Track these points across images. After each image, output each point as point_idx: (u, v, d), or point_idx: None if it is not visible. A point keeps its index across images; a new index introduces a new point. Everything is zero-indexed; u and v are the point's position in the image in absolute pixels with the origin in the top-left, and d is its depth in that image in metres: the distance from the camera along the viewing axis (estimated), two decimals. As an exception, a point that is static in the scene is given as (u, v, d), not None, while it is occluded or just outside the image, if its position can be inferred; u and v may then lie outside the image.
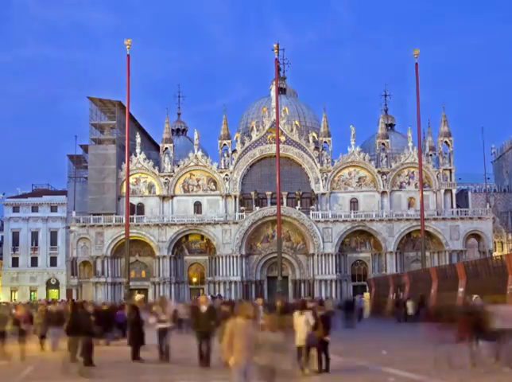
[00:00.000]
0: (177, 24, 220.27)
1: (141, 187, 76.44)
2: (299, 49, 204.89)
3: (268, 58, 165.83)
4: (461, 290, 34.01)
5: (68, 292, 75.61)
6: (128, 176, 58.38)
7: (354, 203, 74.99)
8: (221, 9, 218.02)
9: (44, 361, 19.60)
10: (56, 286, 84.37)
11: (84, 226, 73.63)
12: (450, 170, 75.02)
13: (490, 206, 75.73)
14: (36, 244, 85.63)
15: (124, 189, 67.04)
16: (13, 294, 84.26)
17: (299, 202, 73.74)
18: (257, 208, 73.43)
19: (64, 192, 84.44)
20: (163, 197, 75.79)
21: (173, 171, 75.95)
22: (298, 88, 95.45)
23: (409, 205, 74.47)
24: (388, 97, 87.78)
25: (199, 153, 76.38)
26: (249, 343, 9.44)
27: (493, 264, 32.02)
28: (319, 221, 72.16)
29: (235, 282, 72.02)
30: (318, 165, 74.90)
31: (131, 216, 67.84)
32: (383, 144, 76.24)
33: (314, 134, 76.37)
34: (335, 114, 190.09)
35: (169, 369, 16.84)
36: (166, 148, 77.07)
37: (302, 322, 14.93)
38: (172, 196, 75.82)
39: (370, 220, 72.44)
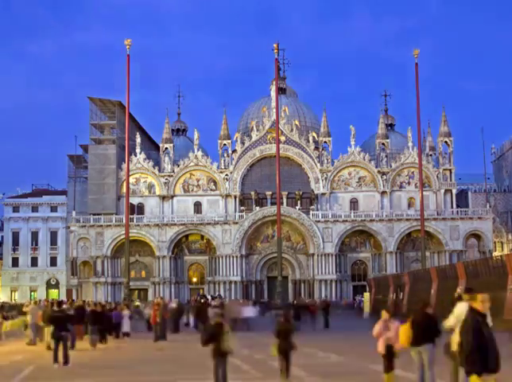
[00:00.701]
0: (178, 24, 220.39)
1: (141, 187, 76.45)
2: (299, 49, 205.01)
3: (268, 58, 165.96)
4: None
5: (68, 292, 75.60)
6: (128, 176, 58.45)
7: (354, 203, 75.01)
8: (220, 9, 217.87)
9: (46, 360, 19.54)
10: (56, 286, 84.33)
11: (84, 226, 73.65)
12: (450, 170, 75.04)
13: (490, 206, 75.74)
14: (36, 244, 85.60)
15: (124, 189, 67.05)
16: (13, 294, 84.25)
17: (299, 202, 73.76)
18: (257, 208, 73.44)
19: (64, 192, 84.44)
20: (163, 197, 75.81)
21: (173, 171, 75.96)
22: (298, 88, 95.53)
23: (409, 205, 74.49)
24: (388, 97, 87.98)
25: (199, 153, 76.40)
26: None
27: (493, 264, 32.01)
28: (319, 221, 72.17)
29: (235, 282, 72.03)
30: (318, 165, 74.90)
31: (131, 216, 67.89)
32: (383, 144, 76.25)
33: (314, 134, 76.38)
34: (335, 114, 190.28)
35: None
36: (166, 148, 77.08)
37: None
38: (172, 196, 75.84)
39: (370, 220, 72.46)
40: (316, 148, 76.04)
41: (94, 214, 74.25)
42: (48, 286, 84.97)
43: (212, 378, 12.00)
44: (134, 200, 74.22)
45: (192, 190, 76.38)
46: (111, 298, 68.51)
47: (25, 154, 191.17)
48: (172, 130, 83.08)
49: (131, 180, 71.03)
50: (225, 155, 76.28)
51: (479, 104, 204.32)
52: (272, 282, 69.01)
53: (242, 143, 76.46)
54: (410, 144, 75.51)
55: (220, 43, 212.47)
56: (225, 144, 76.56)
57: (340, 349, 21.85)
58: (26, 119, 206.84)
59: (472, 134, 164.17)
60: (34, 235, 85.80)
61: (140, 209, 75.66)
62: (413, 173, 74.62)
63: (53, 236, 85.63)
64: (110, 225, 73.30)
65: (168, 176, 75.95)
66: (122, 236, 65.14)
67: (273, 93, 74.08)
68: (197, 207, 75.71)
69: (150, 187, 76.48)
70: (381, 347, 11.79)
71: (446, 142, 75.74)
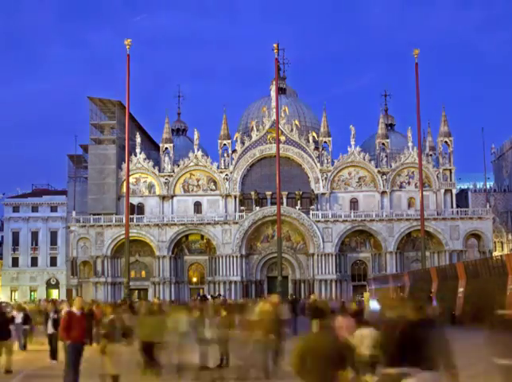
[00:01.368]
0: (177, 23, 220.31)
1: (141, 187, 76.45)
2: (299, 49, 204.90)
3: (268, 58, 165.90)
4: (461, 290, 34.01)
5: (68, 292, 75.63)
6: (128, 176, 58.30)
7: (354, 203, 74.99)
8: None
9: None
10: (56, 286, 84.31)
11: (84, 226, 73.66)
12: (450, 170, 75.02)
13: (490, 206, 75.70)
14: (36, 244, 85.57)
15: (124, 189, 67.03)
16: (13, 293, 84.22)
17: (299, 202, 73.74)
18: (257, 208, 73.43)
19: (64, 192, 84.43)
20: (163, 197, 75.80)
21: (173, 171, 75.96)
22: (298, 88, 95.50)
23: (409, 205, 74.47)
24: (388, 97, 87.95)
25: (199, 153, 76.39)
26: None
27: (493, 264, 32.00)
28: (319, 221, 72.17)
29: (235, 282, 72.01)
30: (318, 165, 74.89)
31: (131, 216, 67.84)
32: (383, 144, 76.23)
33: (314, 134, 76.37)
34: (335, 114, 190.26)
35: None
36: (166, 148, 77.07)
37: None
38: (172, 196, 75.84)
39: (370, 220, 72.45)
40: (316, 148, 76.02)
41: (94, 214, 74.26)
42: (48, 286, 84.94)
43: None
44: (134, 200, 74.21)
45: (192, 190, 76.37)
46: (111, 298, 68.48)
47: (25, 154, 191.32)
48: (172, 130, 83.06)
49: (131, 180, 71.02)
50: (225, 155, 76.27)
51: (479, 104, 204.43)
52: (272, 282, 68.95)
53: (242, 143, 76.45)
54: (410, 144, 75.49)
55: (221, 42, 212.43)
56: (225, 144, 76.55)
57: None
58: (26, 119, 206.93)
59: (472, 134, 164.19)
60: (34, 235, 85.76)
61: (140, 209, 75.66)
62: (412, 173, 74.60)
63: (53, 236, 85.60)
64: (110, 225, 73.31)
65: (168, 176, 75.95)
66: (122, 236, 65.11)
67: (273, 93, 74.04)
68: (197, 207, 75.71)
69: (150, 187, 76.47)
70: None
71: (446, 142, 75.72)
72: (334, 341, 6.60)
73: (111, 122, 77.04)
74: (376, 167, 74.99)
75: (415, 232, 71.32)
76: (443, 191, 74.43)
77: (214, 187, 76.08)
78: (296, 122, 77.01)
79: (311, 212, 72.80)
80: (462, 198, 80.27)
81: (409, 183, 75.34)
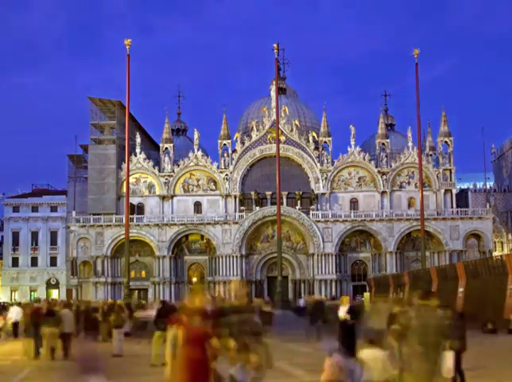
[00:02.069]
0: (177, 23, 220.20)
1: (141, 187, 76.45)
2: (299, 49, 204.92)
3: (268, 57, 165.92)
4: (461, 290, 34.00)
5: (68, 292, 75.65)
6: (128, 176, 58.42)
7: (354, 203, 75.00)
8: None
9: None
10: (56, 286, 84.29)
11: (84, 226, 73.66)
12: (450, 170, 75.03)
13: (490, 206, 75.71)
14: (36, 244, 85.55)
15: (124, 189, 67.03)
16: (13, 293, 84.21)
17: (299, 202, 73.75)
18: (257, 208, 73.43)
19: (64, 192, 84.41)
20: (163, 197, 75.81)
21: (173, 171, 75.96)
22: (298, 88, 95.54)
23: (409, 205, 74.48)
24: (388, 97, 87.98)
25: (199, 153, 76.39)
26: None
27: (493, 264, 31.97)
28: (319, 221, 72.17)
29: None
30: (318, 165, 74.90)
31: (131, 216, 67.86)
32: (383, 144, 76.24)
33: (314, 134, 76.37)
34: (335, 114, 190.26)
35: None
36: (166, 148, 77.07)
37: None
38: (172, 196, 75.84)
39: (370, 220, 72.46)
40: (316, 148, 76.03)
41: (94, 214, 74.25)
42: (48, 286, 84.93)
43: None
44: (134, 200, 74.21)
45: (192, 190, 76.37)
46: (111, 297, 68.45)
47: (25, 154, 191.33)
48: (172, 130, 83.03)
49: (131, 180, 71.03)
50: (225, 155, 76.27)
51: (479, 104, 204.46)
52: (272, 282, 69.01)
53: (242, 143, 76.45)
54: (410, 144, 75.51)
55: (221, 43, 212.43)
56: (225, 144, 76.55)
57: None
58: (26, 119, 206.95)
59: (472, 134, 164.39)
60: (34, 235, 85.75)
61: (140, 209, 75.66)
62: (412, 173, 74.61)
63: (53, 236, 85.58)
64: (110, 225, 73.31)
65: (168, 176, 75.95)
66: (122, 236, 65.13)
67: (273, 93, 74.07)
68: (197, 207, 75.71)
69: (150, 187, 76.47)
70: None
71: (446, 142, 75.73)
72: None
73: (111, 122, 77.04)
74: (376, 167, 75.00)
75: (415, 232, 71.34)
76: (443, 191, 74.44)
77: (214, 187, 76.08)
78: (296, 122, 77.01)
79: (311, 212, 72.80)
80: (462, 198, 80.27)
81: (409, 183, 75.35)
